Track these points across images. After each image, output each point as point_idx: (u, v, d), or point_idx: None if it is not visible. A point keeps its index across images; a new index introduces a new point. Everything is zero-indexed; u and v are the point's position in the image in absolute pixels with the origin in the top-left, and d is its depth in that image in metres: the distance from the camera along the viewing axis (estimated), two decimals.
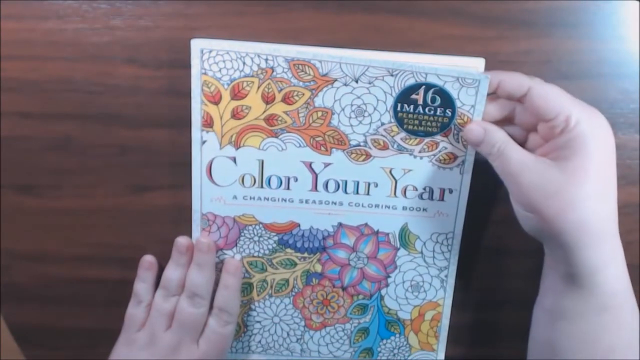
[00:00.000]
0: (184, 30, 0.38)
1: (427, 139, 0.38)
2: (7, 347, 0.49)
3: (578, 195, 0.32)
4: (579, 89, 0.39)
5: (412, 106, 0.37)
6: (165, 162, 0.41)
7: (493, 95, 0.36)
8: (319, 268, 0.42)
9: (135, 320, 0.40)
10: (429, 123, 0.37)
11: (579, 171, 0.32)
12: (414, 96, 0.37)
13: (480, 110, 0.37)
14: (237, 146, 0.39)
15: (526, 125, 0.36)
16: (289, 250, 0.41)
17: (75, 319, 0.45)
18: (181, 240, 0.40)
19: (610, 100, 0.40)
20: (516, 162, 0.33)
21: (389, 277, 0.42)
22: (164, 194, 0.42)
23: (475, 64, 0.37)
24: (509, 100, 0.36)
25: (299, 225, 0.41)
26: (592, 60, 0.39)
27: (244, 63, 0.37)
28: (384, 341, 0.44)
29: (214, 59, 0.37)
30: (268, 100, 0.38)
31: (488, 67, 0.38)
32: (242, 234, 0.41)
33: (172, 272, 0.40)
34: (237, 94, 0.37)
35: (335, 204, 0.40)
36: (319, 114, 0.38)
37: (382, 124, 0.38)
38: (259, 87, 0.37)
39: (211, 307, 0.41)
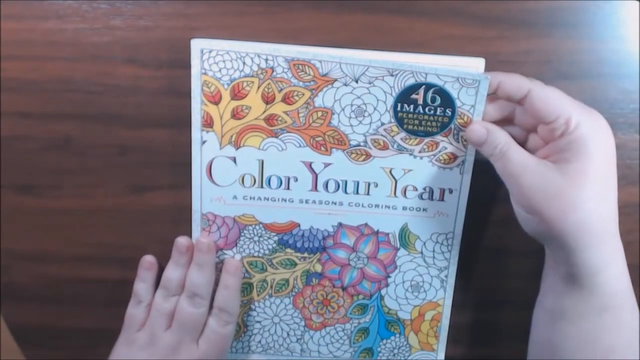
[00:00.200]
0: (184, 30, 0.38)
1: (427, 139, 0.38)
2: (7, 347, 0.49)
3: (579, 197, 0.32)
4: (579, 89, 0.39)
5: (412, 106, 0.37)
6: (165, 162, 0.41)
7: (493, 95, 0.36)
8: (319, 268, 0.42)
9: (135, 320, 0.40)
10: (429, 123, 0.37)
11: (580, 173, 0.32)
12: (414, 96, 0.37)
13: (480, 110, 0.37)
14: (237, 146, 0.39)
15: (526, 126, 0.36)
16: (289, 250, 0.41)
17: (75, 319, 0.45)
18: (181, 241, 0.40)
19: (610, 100, 0.40)
20: (517, 164, 0.33)
21: (389, 277, 0.42)
22: (164, 194, 0.42)
23: (475, 64, 0.37)
24: (509, 101, 0.36)
25: (299, 225, 0.41)
26: (592, 60, 0.39)
27: (244, 63, 0.37)
28: (384, 341, 0.44)
29: (214, 59, 0.37)
30: (268, 100, 0.38)
31: (488, 67, 0.38)
32: (242, 234, 0.41)
33: (172, 272, 0.40)
34: (237, 94, 0.37)
35: (335, 204, 0.40)
36: (319, 114, 0.38)
37: (382, 124, 0.38)
38: (259, 87, 0.37)
39: (211, 307, 0.41)
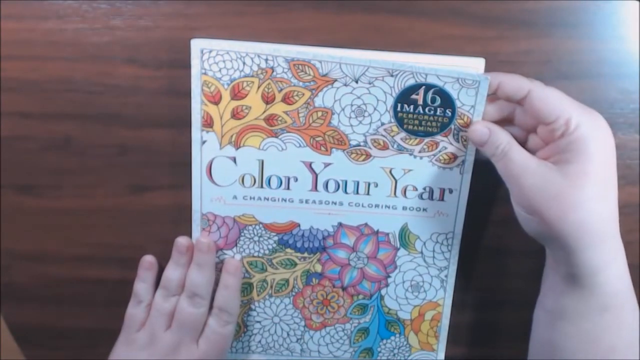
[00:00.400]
0: (184, 30, 0.38)
1: (427, 139, 0.38)
2: (7, 347, 0.49)
3: (579, 197, 0.32)
4: (579, 89, 0.39)
5: (412, 106, 0.37)
6: (165, 162, 0.41)
7: (493, 95, 0.36)
8: (319, 268, 0.42)
9: (135, 320, 0.40)
10: (429, 123, 0.37)
11: (580, 174, 0.32)
12: (414, 96, 0.37)
13: (480, 110, 0.37)
14: (237, 146, 0.39)
15: (526, 127, 0.36)
16: (289, 250, 0.41)
17: (75, 319, 0.45)
18: (181, 241, 0.40)
19: (610, 100, 0.40)
20: (518, 165, 0.33)
21: (389, 277, 0.42)
22: (164, 194, 0.42)
23: (475, 64, 0.37)
24: (509, 101, 0.36)
25: (299, 225, 0.41)
26: (592, 60, 0.39)
27: (244, 63, 0.37)
28: (384, 341, 0.44)
29: (214, 59, 0.37)
30: (268, 100, 0.38)
31: (488, 68, 0.38)
32: (242, 234, 0.41)
33: (172, 272, 0.40)
34: (237, 94, 0.37)
35: (335, 204, 0.40)
36: (319, 114, 0.38)
37: (382, 124, 0.38)
38: (259, 87, 0.37)
39: (211, 307, 0.41)
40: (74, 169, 0.41)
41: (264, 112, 0.38)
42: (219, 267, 0.41)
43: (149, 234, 0.43)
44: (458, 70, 0.36)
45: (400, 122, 0.38)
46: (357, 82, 0.37)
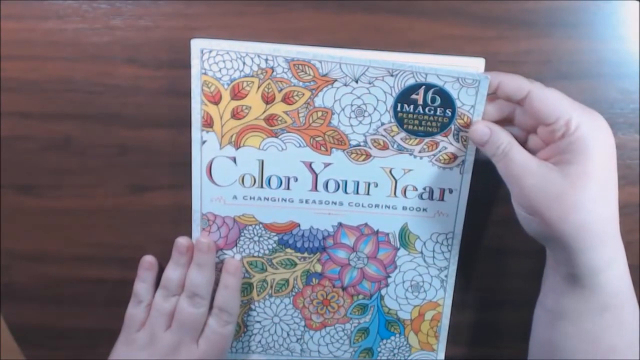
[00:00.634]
0: (184, 30, 0.38)
1: (427, 139, 0.38)
2: (7, 347, 0.49)
3: (579, 198, 0.32)
4: (579, 89, 0.39)
5: (412, 106, 0.37)
6: (165, 162, 0.41)
7: (492, 95, 0.36)
8: (319, 268, 0.42)
9: (135, 320, 0.40)
10: (429, 123, 0.37)
11: (581, 175, 0.32)
12: (414, 96, 0.37)
13: (480, 110, 0.37)
14: (237, 146, 0.39)
15: (526, 127, 0.36)
16: (289, 250, 0.41)
17: (75, 319, 0.45)
18: (181, 241, 0.40)
19: (610, 100, 0.40)
20: (519, 165, 0.33)
21: (389, 277, 0.42)
22: (164, 194, 0.42)
23: (475, 64, 0.37)
24: (508, 102, 0.36)
25: (299, 225, 0.41)
26: (592, 60, 0.39)
27: (244, 63, 0.37)
28: (384, 341, 0.44)
29: (214, 59, 0.37)
30: (268, 100, 0.38)
31: (488, 67, 0.38)
32: (242, 234, 0.41)
33: (172, 272, 0.40)
34: (237, 94, 0.37)
35: (335, 204, 0.40)
36: (319, 114, 0.38)
37: (382, 124, 0.38)
38: (259, 87, 0.37)
39: (211, 307, 0.41)
40: (74, 169, 0.41)
41: (264, 112, 0.38)
42: (219, 267, 0.41)
43: (149, 234, 0.43)
44: (458, 70, 0.36)
45: (400, 122, 0.38)
46: (357, 82, 0.37)
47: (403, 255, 0.41)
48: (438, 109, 0.37)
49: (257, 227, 0.41)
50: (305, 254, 0.42)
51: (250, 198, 0.40)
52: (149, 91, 0.40)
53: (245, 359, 0.45)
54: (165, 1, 0.38)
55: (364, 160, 0.39)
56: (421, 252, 0.41)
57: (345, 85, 0.37)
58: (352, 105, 0.38)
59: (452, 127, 0.37)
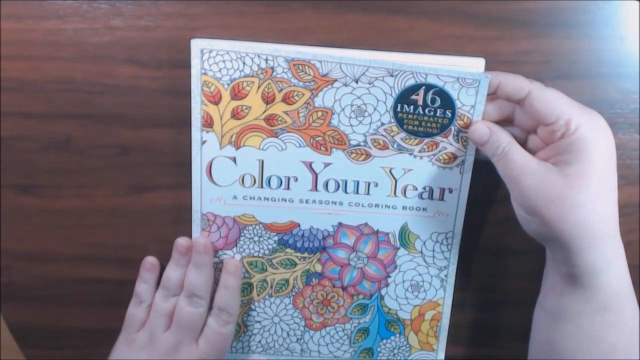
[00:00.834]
0: (184, 30, 0.38)
1: (427, 139, 0.38)
2: (7, 347, 0.49)
3: (579, 199, 0.32)
4: (579, 89, 0.39)
5: (412, 107, 0.37)
6: (166, 162, 0.41)
7: (492, 95, 0.36)
8: (319, 268, 0.42)
9: (136, 320, 0.40)
10: (429, 124, 0.37)
11: (580, 175, 0.32)
12: (414, 97, 0.37)
13: (480, 110, 0.37)
14: (237, 146, 0.39)
15: (526, 127, 0.36)
16: (289, 250, 0.41)
17: (75, 319, 0.45)
18: (181, 241, 0.40)
19: (610, 100, 0.40)
20: (519, 165, 0.33)
21: (389, 276, 0.42)
22: (164, 194, 0.42)
23: (475, 64, 0.37)
24: (508, 102, 0.36)
25: (299, 225, 0.41)
26: (592, 60, 0.39)
27: (244, 63, 0.37)
28: (384, 341, 0.44)
29: (214, 59, 0.37)
30: (268, 100, 0.38)
31: (488, 67, 0.38)
32: (242, 234, 0.41)
33: (172, 272, 0.40)
34: (237, 94, 0.37)
35: (335, 203, 0.40)
36: (319, 114, 0.38)
37: (382, 124, 0.38)
38: (259, 87, 0.37)
39: (211, 307, 0.41)
40: (74, 169, 0.41)
41: (264, 112, 0.38)
42: (219, 267, 0.41)
43: (149, 234, 0.43)
44: (458, 70, 0.36)
45: (400, 122, 0.38)
46: (357, 82, 0.37)
47: (403, 255, 0.41)
48: (438, 110, 0.37)
49: (257, 227, 0.41)
50: (305, 254, 0.42)
51: (250, 198, 0.40)
52: (149, 91, 0.40)
53: (245, 359, 0.45)
54: (165, 1, 0.38)
55: (364, 160, 0.39)
56: (421, 252, 0.41)
57: (345, 85, 0.37)
58: (352, 105, 0.38)
59: (452, 128, 0.37)
